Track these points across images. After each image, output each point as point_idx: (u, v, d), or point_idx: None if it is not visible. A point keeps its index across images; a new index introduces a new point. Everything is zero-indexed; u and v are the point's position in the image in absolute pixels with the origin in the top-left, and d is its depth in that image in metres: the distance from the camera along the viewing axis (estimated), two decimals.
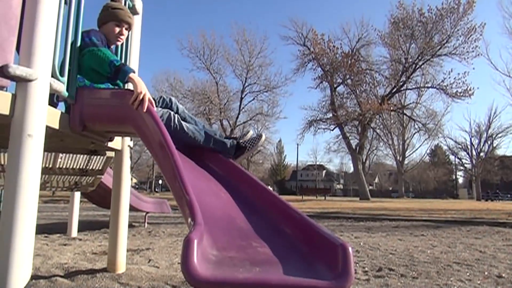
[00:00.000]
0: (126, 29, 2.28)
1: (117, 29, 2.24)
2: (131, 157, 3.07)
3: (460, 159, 43.58)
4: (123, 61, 2.65)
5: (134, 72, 1.88)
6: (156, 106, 2.08)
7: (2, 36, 1.59)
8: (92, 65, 1.98)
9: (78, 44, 2.00)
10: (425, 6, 25.13)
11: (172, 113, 2.05)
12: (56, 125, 1.88)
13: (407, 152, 40.01)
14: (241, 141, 2.19)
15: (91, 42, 1.99)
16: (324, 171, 67.01)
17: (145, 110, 1.75)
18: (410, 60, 26.00)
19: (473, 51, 23.98)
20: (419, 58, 25.59)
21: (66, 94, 1.92)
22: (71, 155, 3.58)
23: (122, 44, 2.61)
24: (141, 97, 1.74)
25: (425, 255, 4.01)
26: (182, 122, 2.05)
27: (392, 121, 33.71)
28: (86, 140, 2.35)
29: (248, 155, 2.28)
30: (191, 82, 27.96)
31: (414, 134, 36.63)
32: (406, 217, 9.53)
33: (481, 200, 35.09)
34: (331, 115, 27.37)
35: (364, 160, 39.79)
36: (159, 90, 26.72)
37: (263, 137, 2.25)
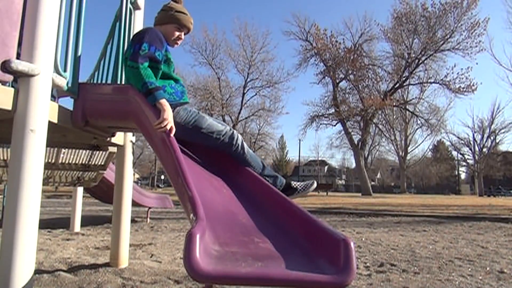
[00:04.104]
0: (185, 34, 2.22)
1: (177, 33, 2.17)
2: (133, 153, 3.08)
3: (462, 154, 43.47)
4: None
5: (165, 98, 1.81)
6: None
7: (4, 31, 1.59)
8: (129, 79, 1.95)
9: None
10: (428, 0, 24.98)
11: (235, 132, 2.03)
12: (58, 120, 1.88)
13: (409, 148, 39.98)
14: (293, 183, 2.13)
15: (134, 54, 1.89)
16: (326, 167, 66.92)
17: (161, 131, 1.71)
18: (413, 55, 25.86)
19: (476, 46, 23.83)
20: (422, 53, 25.44)
21: (69, 89, 1.93)
22: (73, 150, 3.59)
23: (124, 40, 2.61)
24: (163, 124, 1.69)
25: (427, 250, 4.02)
26: (245, 144, 2.04)
27: (394, 117, 33.61)
28: (88, 135, 2.36)
29: (296, 198, 2.17)
30: (193, 77, 27.99)
31: (417, 129, 36.56)
32: (408, 213, 9.54)
33: (483, 195, 35.07)
34: (333, 110, 27.29)
35: (366, 156, 39.79)
36: None
37: (315, 184, 2.20)
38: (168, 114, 1.74)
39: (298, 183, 2.13)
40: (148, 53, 1.91)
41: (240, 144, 2.01)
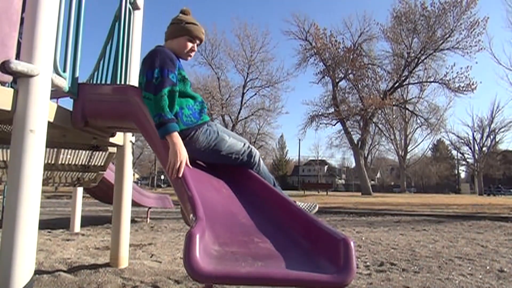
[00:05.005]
0: (197, 45, 2.16)
1: (190, 45, 2.09)
2: (133, 153, 3.08)
3: (462, 154, 43.48)
4: (124, 57, 2.64)
5: (177, 131, 1.71)
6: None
7: (3, 32, 1.59)
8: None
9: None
10: (427, 0, 24.98)
11: (253, 148, 2.04)
12: (58, 121, 1.88)
13: (409, 147, 39.97)
14: (297, 203, 2.14)
15: (147, 84, 1.79)
16: (326, 166, 66.94)
17: (172, 177, 1.64)
18: (413, 54, 25.85)
19: (476, 45, 23.81)
20: (422, 52, 25.43)
21: (68, 89, 1.92)
22: (73, 151, 3.58)
23: (124, 41, 2.61)
24: (172, 165, 1.62)
25: (427, 249, 4.02)
26: (261, 160, 2.05)
27: (394, 116, 33.57)
28: (88, 135, 2.36)
29: None
30: (192, 77, 27.90)
31: (416, 129, 36.53)
32: (408, 212, 9.54)
33: (483, 194, 35.07)
34: (333, 110, 27.28)
35: (366, 155, 39.76)
36: None
37: (317, 208, 2.20)
38: (178, 149, 1.67)
39: (302, 204, 2.14)
40: (161, 79, 1.80)
41: (257, 162, 2.02)
